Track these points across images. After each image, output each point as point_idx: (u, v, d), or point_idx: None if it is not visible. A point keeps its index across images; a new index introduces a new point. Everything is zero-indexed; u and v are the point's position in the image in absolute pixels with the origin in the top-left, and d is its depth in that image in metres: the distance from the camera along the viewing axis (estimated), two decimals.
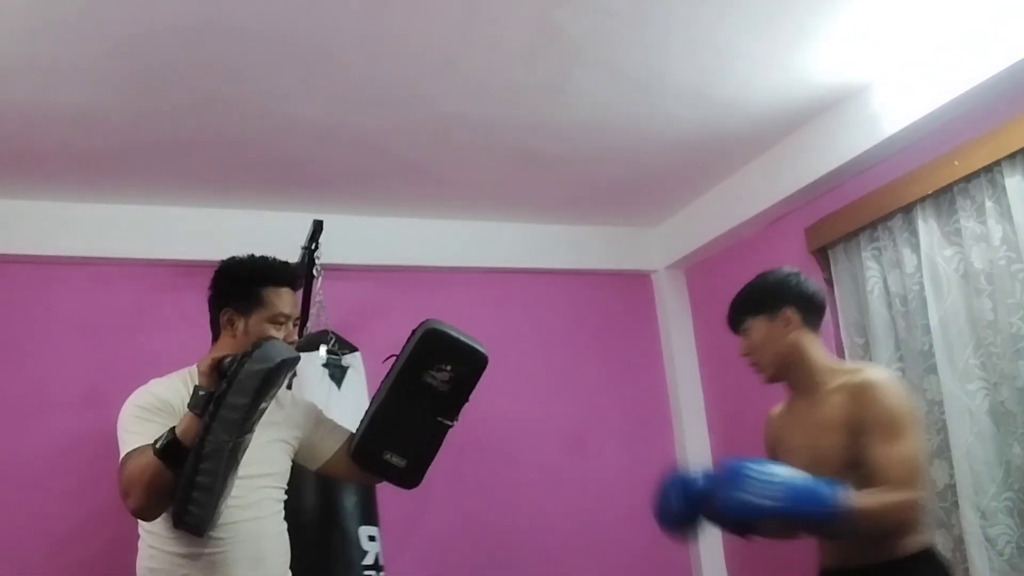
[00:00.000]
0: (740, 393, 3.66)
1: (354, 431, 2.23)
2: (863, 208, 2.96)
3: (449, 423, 2.22)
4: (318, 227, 3.21)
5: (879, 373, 2.09)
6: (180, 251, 3.26)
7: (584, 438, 3.73)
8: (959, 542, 2.59)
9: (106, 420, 3.01)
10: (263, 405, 1.85)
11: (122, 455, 1.93)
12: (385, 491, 3.30)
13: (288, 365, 1.88)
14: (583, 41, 2.44)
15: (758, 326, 2.15)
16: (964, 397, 2.60)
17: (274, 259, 2.19)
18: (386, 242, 3.56)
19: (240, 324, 2.08)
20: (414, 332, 2.22)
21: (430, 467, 2.23)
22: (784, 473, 1.87)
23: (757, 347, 2.16)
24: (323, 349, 2.86)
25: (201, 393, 1.83)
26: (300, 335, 3.11)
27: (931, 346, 2.71)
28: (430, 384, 2.19)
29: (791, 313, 2.12)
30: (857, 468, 1.95)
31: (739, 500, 1.85)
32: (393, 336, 3.46)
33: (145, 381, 3.07)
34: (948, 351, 2.65)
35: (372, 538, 2.76)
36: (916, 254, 2.79)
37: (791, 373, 2.16)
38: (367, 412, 2.21)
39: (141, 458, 1.86)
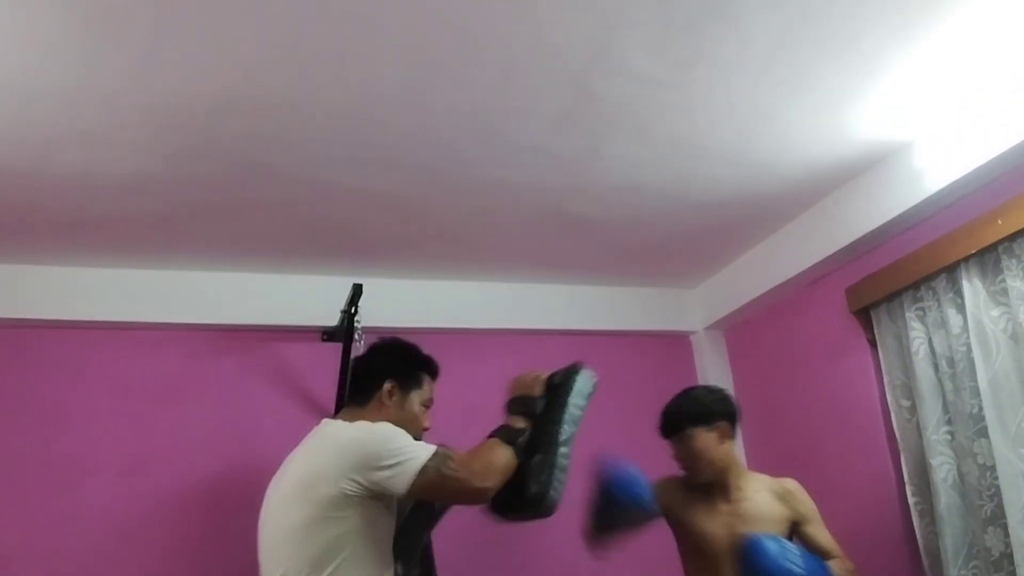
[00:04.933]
0: (783, 455, 3.59)
1: None
2: (906, 268, 2.92)
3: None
4: (357, 291, 3.24)
5: (793, 480, 2.69)
6: (221, 316, 3.30)
7: None
8: None
9: (148, 484, 3.07)
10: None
11: (427, 457, 2.07)
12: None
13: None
14: (617, 107, 2.46)
15: (698, 434, 2.59)
16: (1018, 461, 2.52)
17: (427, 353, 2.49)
18: (425, 305, 3.58)
19: (397, 397, 2.33)
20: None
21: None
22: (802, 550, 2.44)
23: (695, 454, 2.61)
24: None
25: (534, 401, 2.33)
26: (338, 401, 3.13)
27: (981, 409, 2.64)
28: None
29: (724, 426, 2.61)
30: None
31: (782, 567, 2.31)
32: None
33: (188, 443, 3.14)
34: (999, 414, 2.58)
35: None
36: (962, 314, 2.74)
37: (722, 478, 2.62)
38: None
39: (489, 447, 2.19)
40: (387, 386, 2.32)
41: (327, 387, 3.23)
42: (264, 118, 2.38)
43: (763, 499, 2.62)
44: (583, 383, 2.40)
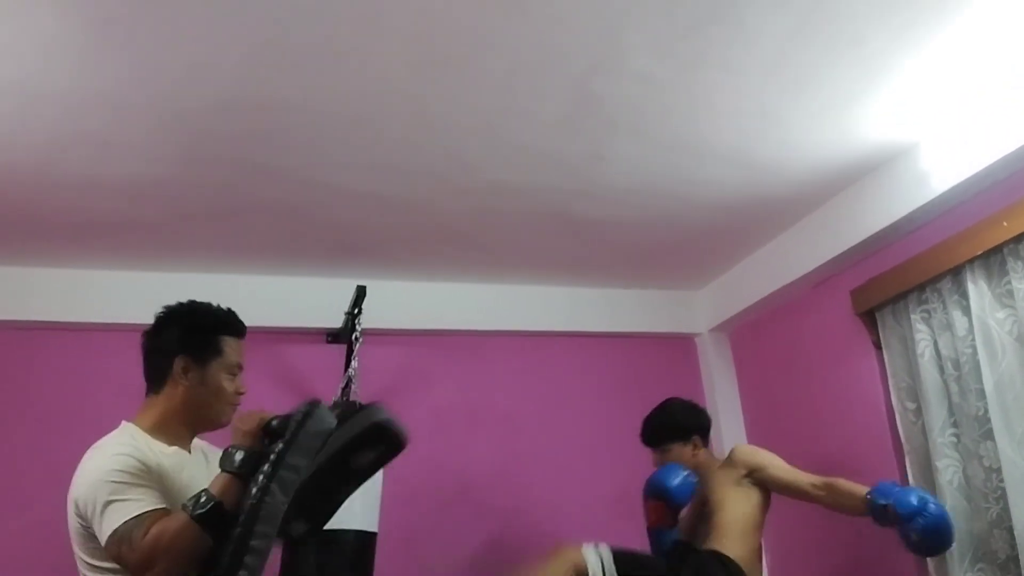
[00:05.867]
0: (787, 456, 3.58)
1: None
2: (911, 270, 2.91)
3: (352, 490, 2.11)
4: (361, 293, 3.24)
5: (739, 444, 2.99)
6: None
7: (629, 505, 3.65)
8: None
9: None
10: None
11: (118, 523, 1.73)
12: (420, 559, 3.27)
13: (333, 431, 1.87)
14: (621, 108, 2.46)
15: (675, 448, 2.90)
16: (1023, 463, 2.52)
17: (224, 307, 2.09)
18: (428, 307, 3.58)
19: (195, 373, 1.98)
20: (353, 414, 2.06)
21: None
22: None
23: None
24: None
25: (241, 454, 1.76)
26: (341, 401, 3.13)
27: (986, 411, 2.63)
28: (351, 466, 2.08)
29: (697, 439, 2.92)
30: None
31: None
32: (435, 400, 3.49)
33: None
34: (1005, 416, 2.57)
35: None
36: (967, 316, 2.73)
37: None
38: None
39: (169, 523, 1.71)
40: (179, 364, 1.97)
41: (332, 388, 3.23)
42: (267, 120, 2.39)
43: (721, 477, 2.83)
44: (308, 435, 1.82)
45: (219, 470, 1.80)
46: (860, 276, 3.17)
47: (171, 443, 1.98)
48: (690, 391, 3.95)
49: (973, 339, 2.69)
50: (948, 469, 2.76)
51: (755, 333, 3.84)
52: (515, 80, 2.29)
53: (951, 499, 2.73)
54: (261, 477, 1.73)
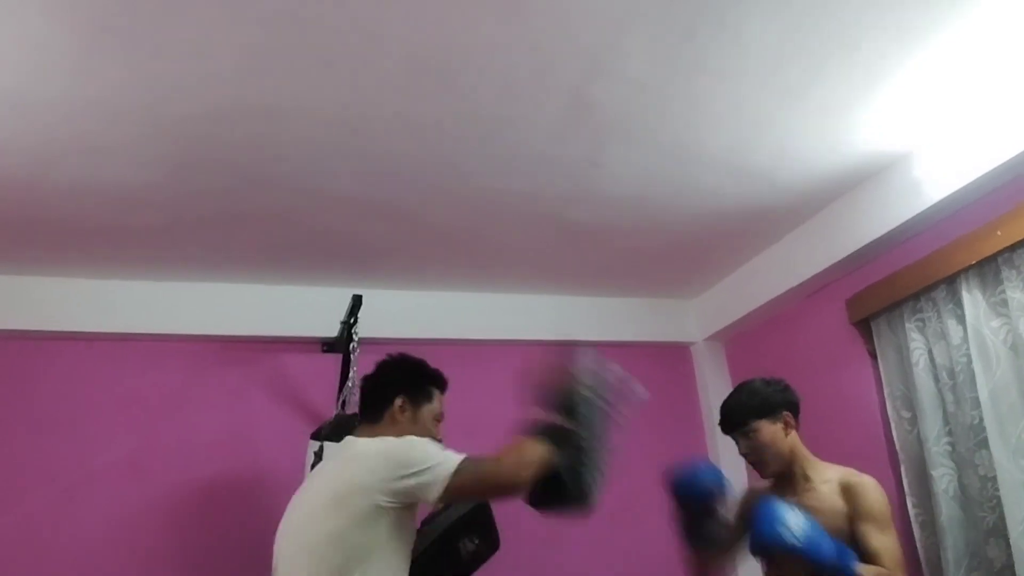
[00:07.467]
0: None
1: None
2: (905, 279, 2.92)
3: None
4: (357, 302, 3.24)
5: (868, 476, 2.40)
6: (223, 327, 3.31)
7: (625, 512, 3.65)
8: None
9: (150, 494, 3.07)
10: None
11: (459, 459, 2.06)
12: None
13: None
14: (617, 115, 2.47)
15: (762, 427, 2.44)
16: (1018, 472, 2.52)
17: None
18: (424, 316, 3.58)
19: (409, 412, 2.32)
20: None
21: None
22: (813, 523, 2.19)
23: (762, 447, 2.45)
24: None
25: (558, 391, 2.30)
26: (339, 412, 3.13)
27: (981, 420, 2.63)
28: (457, 550, 2.45)
29: (788, 417, 2.46)
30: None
31: (773, 530, 2.17)
32: None
33: (190, 454, 3.14)
34: (1000, 425, 2.58)
35: None
36: (962, 325, 2.73)
37: (789, 469, 2.45)
38: None
39: (524, 445, 2.16)
40: (398, 402, 2.31)
41: (328, 398, 3.23)
42: (261, 128, 2.38)
43: (828, 491, 2.39)
44: (585, 370, 2.37)
45: None
46: (855, 285, 3.17)
47: None
48: (685, 400, 3.97)
49: (968, 348, 2.69)
50: (943, 478, 2.76)
51: (750, 342, 3.85)
52: (510, 86, 2.30)
53: (946, 508, 2.73)
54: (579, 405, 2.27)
